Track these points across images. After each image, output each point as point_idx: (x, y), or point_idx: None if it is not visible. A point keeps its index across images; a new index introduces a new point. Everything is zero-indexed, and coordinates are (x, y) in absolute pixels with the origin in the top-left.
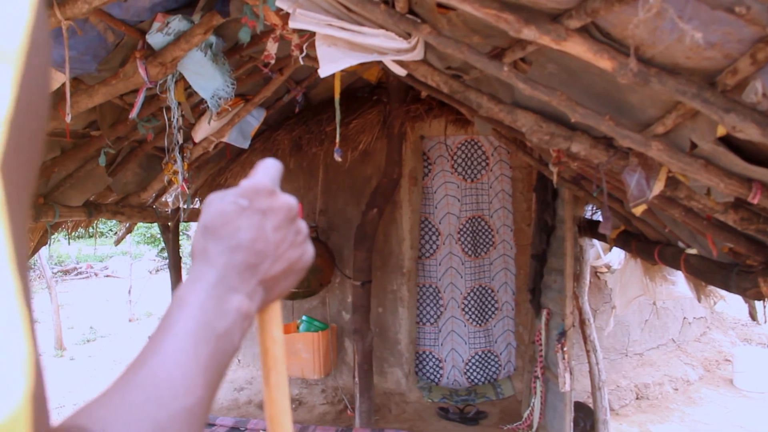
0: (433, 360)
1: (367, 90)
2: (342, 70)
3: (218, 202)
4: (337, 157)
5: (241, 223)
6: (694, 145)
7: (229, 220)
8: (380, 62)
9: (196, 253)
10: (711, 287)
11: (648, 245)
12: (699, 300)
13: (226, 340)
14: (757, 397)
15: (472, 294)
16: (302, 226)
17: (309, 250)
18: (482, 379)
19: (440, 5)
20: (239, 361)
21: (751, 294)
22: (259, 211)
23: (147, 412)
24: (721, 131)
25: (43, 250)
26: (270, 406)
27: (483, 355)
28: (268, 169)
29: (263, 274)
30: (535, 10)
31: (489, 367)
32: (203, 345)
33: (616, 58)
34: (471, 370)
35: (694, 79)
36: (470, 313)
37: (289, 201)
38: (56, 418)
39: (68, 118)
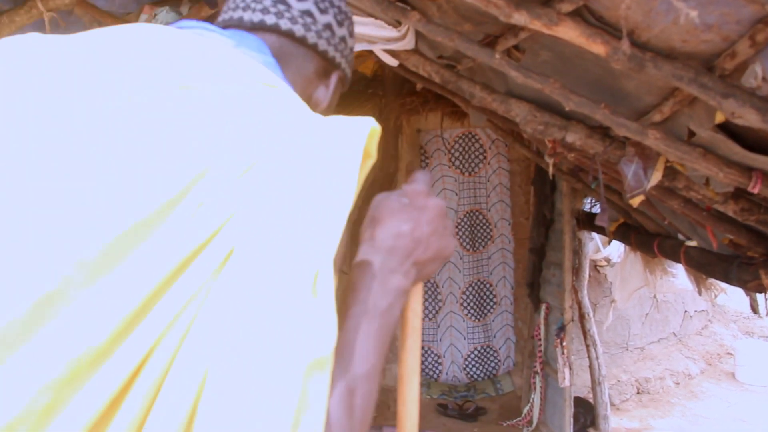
0: (432, 356)
1: (363, 83)
2: None
3: (385, 200)
4: None
5: (402, 216)
6: (692, 133)
7: (394, 213)
8: (374, 54)
9: (364, 239)
10: (711, 280)
11: (647, 238)
12: (699, 293)
13: (389, 314)
14: (759, 391)
15: (470, 288)
16: (449, 222)
17: (452, 242)
18: (481, 375)
19: None
20: None
21: (752, 286)
22: (417, 207)
23: (335, 379)
24: (719, 118)
25: None
26: (402, 367)
27: (482, 351)
28: (423, 177)
29: (416, 257)
30: None
31: (488, 362)
32: (373, 322)
33: (610, 42)
34: (470, 366)
35: (691, 63)
36: (469, 308)
37: (440, 202)
38: None
39: None
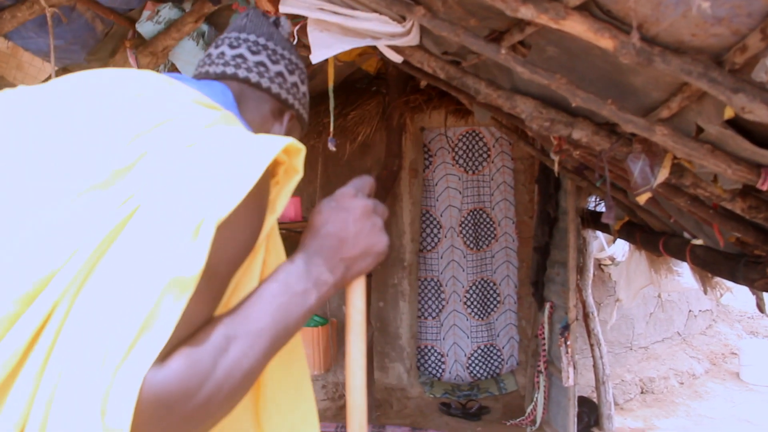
0: (435, 355)
1: (366, 81)
2: (340, 61)
3: (317, 206)
4: (331, 147)
5: (329, 218)
6: (700, 130)
7: (321, 216)
8: (378, 51)
9: (299, 243)
10: (717, 279)
11: (653, 236)
12: (705, 292)
13: (302, 297)
14: (764, 391)
15: (473, 287)
16: (378, 221)
17: (383, 239)
18: (485, 374)
19: None
20: None
21: (759, 285)
22: (343, 209)
23: (217, 322)
24: (728, 113)
25: None
26: (346, 358)
27: (485, 350)
28: (356, 181)
29: (344, 254)
30: None
31: (491, 361)
32: (280, 296)
33: (618, 36)
34: (473, 365)
35: (701, 57)
36: (472, 306)
37: (365, 202)
38: None
39: None
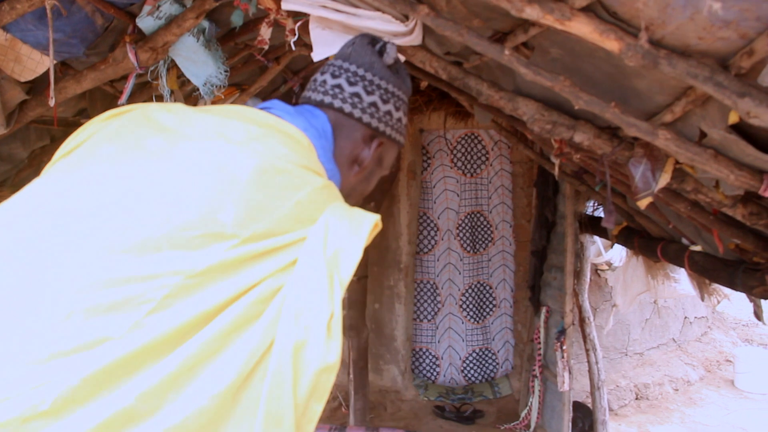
0: (430, 357)
1: None
2: None
3: None
4: None
5: None
6: (703, 134)
7: None
8: None
9: None
10: (715, 285)
11: (651, 242)
12: (702, 298)
13: None
14: (758, 399)
15: (470, 290)
16: None
17: None
18: (479, 378)
19: None
20: None
21: (757, 292)
22: None
23: None
24: (733, 118)
25: None
26: None
27: (480, 353)
28: None
29: None
30: None
31: (486, 365)
32: None
33: (624, 38)
34: (468, 368)
35: (707, 61)
36: (468, 310)
37: None
38: None
39: (51, 102)
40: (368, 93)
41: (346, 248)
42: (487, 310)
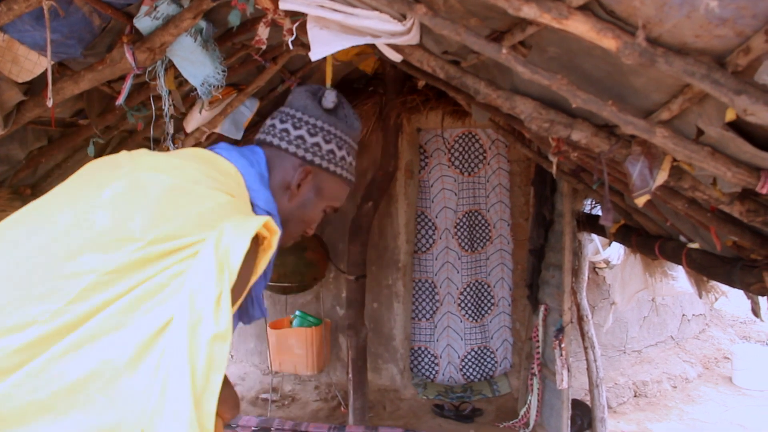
0: (429, 356)
1: (363, 81)
2: (337, 60)
3: None
4: None
5: None
6: (700, 132)
7: None
8: (376, 51)
9: None
10: (713, 283)
11: (648, 240)
12: (700, 296)
13: None
14: (756, 395)
15: (468, 289)
16: None
17: None
18: (478, 376)
19: None
20: (232, 356)
21: (754, 289)
22: None
23: None
24: (730, 115)
25: None
26: None
27: (479, 352)
28: None
29: None
30: None
31: (485, 363)
32: None
33: (621, 37)
34: (467, 367)
35: (704, 59)
36: (466, 308)
37: None
38: None
39: (49, 102)
40: (296, 128)
41: (235, 244)
42: (486, 308)
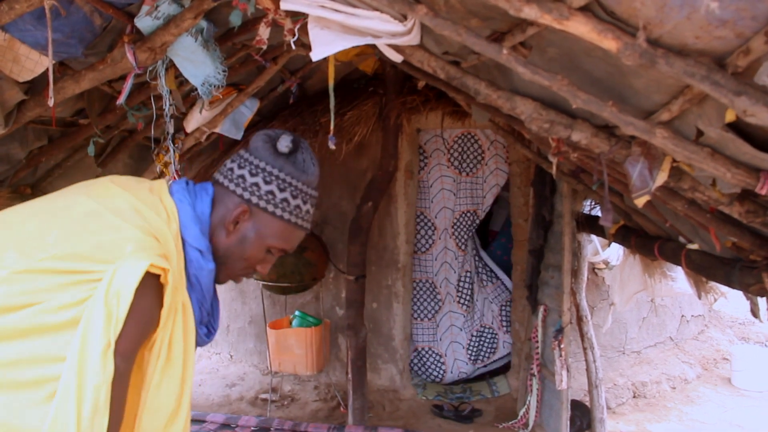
0: (434, 356)
1: (363, 81)
2: (337, 60)
3: None
4: (331, 145)
5: None
6: (700, 133)
7: None
8: (376, 51)
9: None
10: (712, 284)
11: (648, 240)
12: (699, 297)
13: None
14: (755, 396)
15: (463, 280)
16: None
17: None
18: (485, 355)
19: None
20: (231, 356)
21: (754, 290)
22: None
23: None
24: (730, 116)
25: None
26: None
27: (479, 333)
28: None
29: None
30: None
31: (486, 341)
32: None
33: (621, 38)
34: (472, 350)
35: (704, 60)
36: (464, 302)
37: None
38: None
39: (50, 102)
40: (240, 168)
41: (123, 290)
42: (478, 295)
